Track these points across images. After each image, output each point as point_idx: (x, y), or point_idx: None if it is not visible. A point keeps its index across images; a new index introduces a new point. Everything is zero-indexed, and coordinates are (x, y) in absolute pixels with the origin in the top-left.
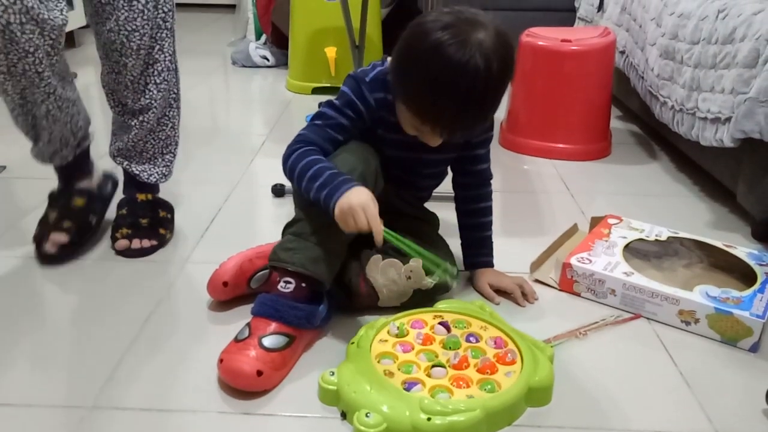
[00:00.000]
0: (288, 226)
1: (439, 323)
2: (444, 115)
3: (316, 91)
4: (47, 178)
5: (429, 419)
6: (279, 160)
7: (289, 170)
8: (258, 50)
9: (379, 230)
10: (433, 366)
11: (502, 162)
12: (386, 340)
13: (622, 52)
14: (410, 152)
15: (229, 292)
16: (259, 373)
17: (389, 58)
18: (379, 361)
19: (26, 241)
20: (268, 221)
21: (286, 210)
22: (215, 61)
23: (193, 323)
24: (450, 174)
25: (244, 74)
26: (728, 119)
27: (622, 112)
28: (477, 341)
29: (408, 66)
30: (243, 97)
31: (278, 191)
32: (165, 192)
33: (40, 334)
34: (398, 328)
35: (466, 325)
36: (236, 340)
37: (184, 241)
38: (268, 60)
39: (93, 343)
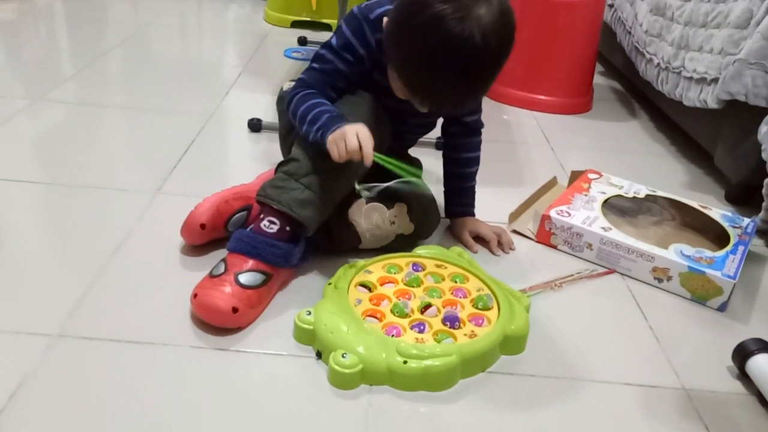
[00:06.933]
0: (282, 164)
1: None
2: (435, 89)
3: (295, 24)
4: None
5: (405, 362)
6: (255, 94)
7: (292, 114)
8: None
9: (370, 151)
10: (425, 307)
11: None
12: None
13: (611, 6)
14: (403, 101)
15: (206, 236)
16: (235, 309)
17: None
18: (355, 305)
19: None
20: (243, 156)
21: (262, 146)
22: None
23: (165, 255)
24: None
25: (219, 2)
26: (714, 80)
27: (605, 68)
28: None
29: (404, 34)
30: (218, 27)
31: (255, 126)
32: (132, 121)
33: (5, 261)
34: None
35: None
36: (211, 275)
37: (155, 170)
38: None
39: (60, 272)
